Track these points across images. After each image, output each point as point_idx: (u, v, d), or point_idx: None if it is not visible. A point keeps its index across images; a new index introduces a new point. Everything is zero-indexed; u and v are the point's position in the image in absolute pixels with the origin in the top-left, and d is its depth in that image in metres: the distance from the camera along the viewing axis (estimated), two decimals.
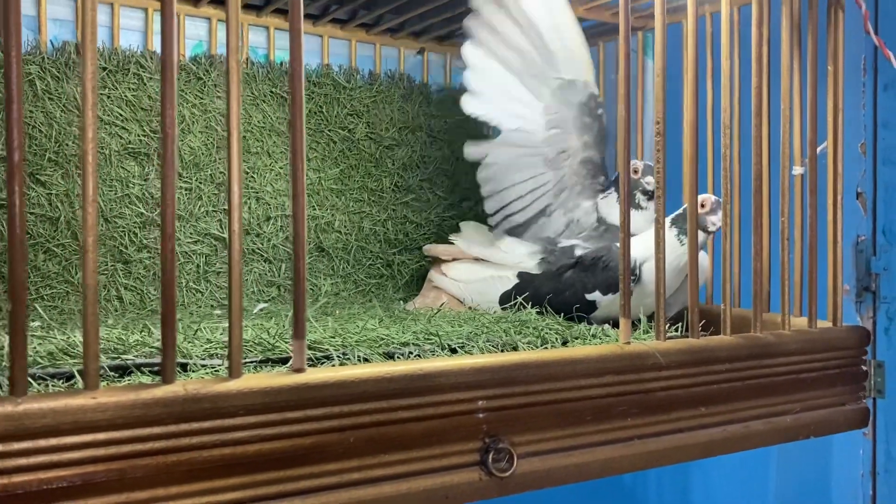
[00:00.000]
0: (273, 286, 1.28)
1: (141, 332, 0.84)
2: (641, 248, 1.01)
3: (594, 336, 0.92)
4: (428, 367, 0.67)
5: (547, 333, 0.93)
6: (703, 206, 1.00)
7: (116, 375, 0.72)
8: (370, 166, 1.36)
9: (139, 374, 0.72)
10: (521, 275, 1.12)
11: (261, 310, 1.18)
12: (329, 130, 1.34)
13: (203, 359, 0.77)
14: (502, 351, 0.86)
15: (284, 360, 0.79)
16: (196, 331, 0.86)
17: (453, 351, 0.84)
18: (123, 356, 0.74)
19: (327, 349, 0.81)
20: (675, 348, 0.80)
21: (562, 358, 0.73)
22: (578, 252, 1.08)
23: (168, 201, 0.57)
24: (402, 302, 1.30)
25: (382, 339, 0.89)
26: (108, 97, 1.17)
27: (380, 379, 0.64)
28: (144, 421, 0.55)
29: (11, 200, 0.51)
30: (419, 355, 0.83)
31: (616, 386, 0.76)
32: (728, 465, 1.51)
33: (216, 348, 0.80)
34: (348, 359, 0.80)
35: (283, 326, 0.92)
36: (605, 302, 1.05)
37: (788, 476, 1.49)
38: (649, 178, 1.14)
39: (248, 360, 0.77)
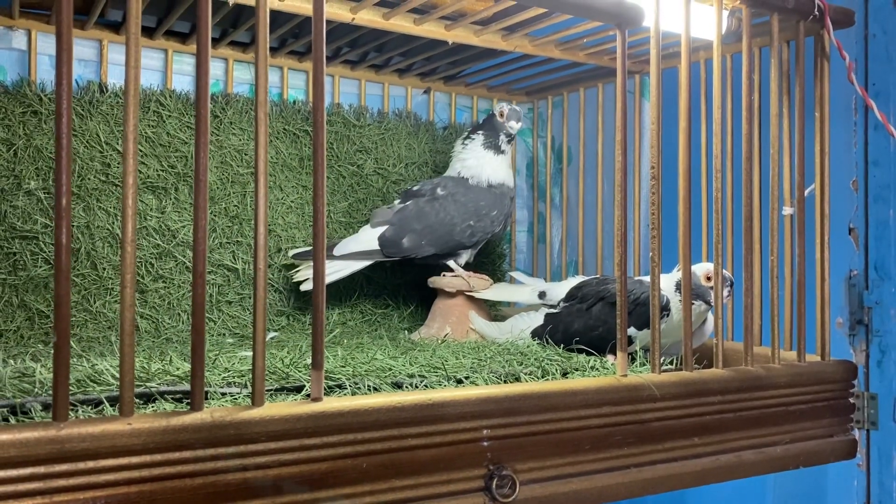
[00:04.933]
0: (283, 315, 1.33)
1: (162, 361, 0.88)
2: (670, 286, 1.03)
3: (593, 368, 0.97)
4: (436, 397, 0.71)
5: (547, 365, 0.97)
6: (709, 278, 1.01)
7: (141, 402, 0.76)
8: (378, 200, 1.42)
9: (163, 401, 0.76)
10: (547, 315, 1.16)
11: (271, 338, 1.22)
12: (339, 166, 1.39)
13: (222, 387, 0.82)
14: (505, 382, 0.90)
15: (298, 389, 0.83)
16: (214, 359, 0.90)
17: (459, 382, 0.88)
18: (147, 384, 0.79)
19: (339, 378, 0.86)
20: (670, 381, 0.85)
21: (562, 389, 0.78)
22: (610, 287, 1.09)
23: (200, 242, 0.61)
24: (407, 332, 1.34)
25: (390, 369, 0.93)
26: None
27: (391, 408, 0.68)
28: (174, 445, 0.59)
29: (59, 240, 0.56)
30: (426, 385, 0.87)
31: (613, 416, 0.81)
32: (724, 499, 1.54)
33: (234, 377, 0.85)
34: (359, 388, 0.84)
35: (297, 356, 0.97)
36: (641, 335, 1.05)
37: None
38: (513, 123, 1.30)
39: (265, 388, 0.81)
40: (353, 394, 0.82)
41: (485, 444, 0.73)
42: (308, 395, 0.81)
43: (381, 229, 1.30)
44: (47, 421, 0.57)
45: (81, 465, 0.56)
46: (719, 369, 0.89)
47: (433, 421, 0.70)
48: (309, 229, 1.36)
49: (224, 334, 1.26)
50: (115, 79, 1.23)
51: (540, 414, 0.76)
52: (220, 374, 0.86)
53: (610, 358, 1.04)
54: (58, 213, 0.56)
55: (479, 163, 1.32)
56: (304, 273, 1.29)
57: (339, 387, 0.83)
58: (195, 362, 0.61)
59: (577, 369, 0.98)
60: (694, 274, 1.05)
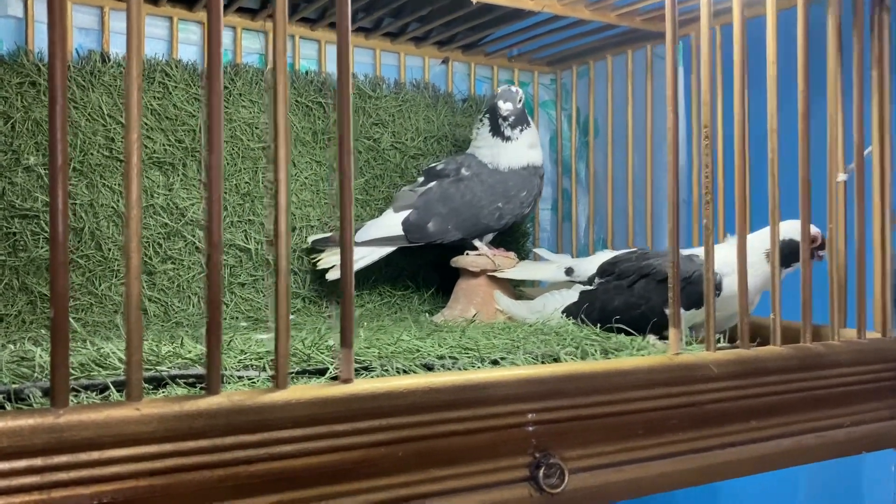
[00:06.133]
0: (298, 297, 1.26)
1: (173, 344, 0.81)
2: (723, 261, 0.94)
3: (638, 348, 0.90)
4: (476, 378, 0.64)
5: (587, 345, 0.90)
6: (814, 240, 0.94)
7: (151, 388, 0.69)
8: (395, 176, 1.35)
9: (174, 385, 0.70)
10: (582, 293, 1.08)
11: None
12: (354, 140, 1.32)
13: (238, 370, 0.75)
14: (543, 363, 0.83)
15: (321, 372, 0.77)
16: (229, 342, 0.83)
17: (494, 363, 0.81)
18: (157, 367, 0.72)
19: (366, 360, 0.79)
20: (726, 359, 0.78)
21: (612, 369, 0.71)
22: (654, 263, 1.02)
23: (214, 212, 0.54)
24: (428, 314, 1.27)
25: (418, 350, 0.86)
26: None
27: (428, 390, 0.61)
28: (189, 434, 0.52)
29: (54, 206, 0.49)
30: (459, 368, 0.80)
31: (666, 398, 0.74)
32: (757, 484, 1.47)
33: (250, 360, 0.78)
34: (387, 370, 0.77)
35: (317, 338, 0.90)
36: (688, 316, 0.99)
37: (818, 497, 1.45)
38: (500, 103, 1.21)
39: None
40: (382, 376, 0.75)
41: (529, 429, 0.66)
42: (334, 379, 0.74)
43: (404, 213, 1.22)
44: (45, 408, 0.50)
45: (84, 457, 0.49)
46: (777, 346, 0.82)
47: (473, 404, 0.63)
48: (324, 207, 1.29)
49: (237, 318, 1.19)
50: (117, 48, 1.16)
51: (588, 396, 0.69)
52: (235, 357, 0.79)
53: (650, 338, 0.97)
54: (52, 173, 0.49)
55: (492, 151, 1.25)
56: (329, 260, 1.22)
57: (366, 369, 0.77)
58: (211, 340, 0.54)
59: (617, 349, 0.91)
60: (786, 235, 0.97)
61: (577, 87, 1.48)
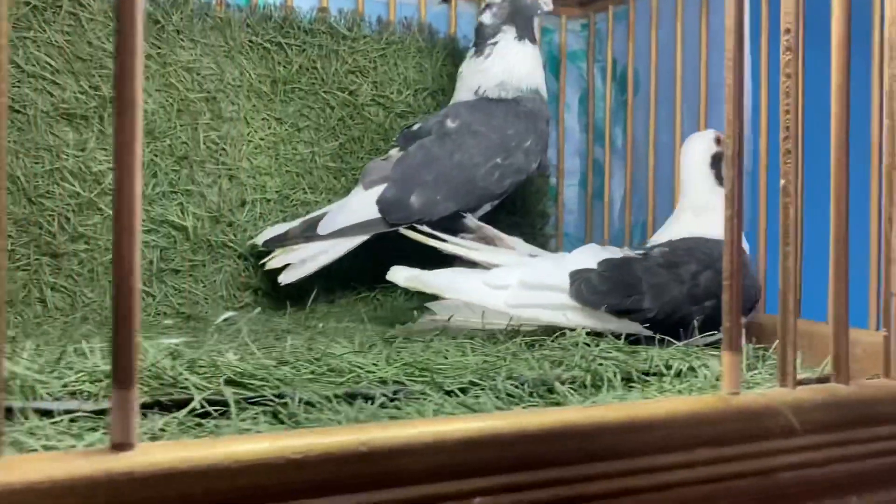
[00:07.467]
0: (248, 290, 1.00)
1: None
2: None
3: (676, 374, 0.61)
4: (378, 437, 0.37)
5: (601, 365, 0.62)
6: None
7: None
8: (378, 139, 1.08)
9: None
10: (614, 263, 0.78)
11: (224, 320, 0.90)
12: (325, 92, 1.05)
13: (55, 398, 0.49)
14: (531, 395, 0.56)
15: (184, 404, 0.50)
16: (61, 353, 0.57)
17: (448, 394, 0.54)
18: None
19: (255, 386, 0.53)
20: (814, 401, 0.49)
21: (628, 419, 0.43)
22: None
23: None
24: (415, 313, 1.00)
25: (353, 371, 0.59)
26: (34, 42, 0.91)
27: (278, 463, 0.35)
28: None
29: None
30: (399, 399, 0.53)
31: (717, 465, 0.45)
32: None
33: (83, 382, 0.52)
34: (285, 403, 0.51)
35: (233, 346, 0.64)
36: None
37: None
38: None
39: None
40: (257, 423, 0.48)
41: None
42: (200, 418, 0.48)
43: (378, 189, 0.95)
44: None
45: None
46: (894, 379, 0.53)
47: (369, 484, 0.36)
48: (285, 176, 1.03)
49: (164, 314, 0.94)
50: None
51: (585, 465, 0.41)
52: (73, 376, 0.53)
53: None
54: None
55: (509, 65, 1.01)
56: (282, 258, 0.95)
57: (260, 403, 0.50)
58: None
59: (649, 372, 0.63)
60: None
61: (613, 32, 1.19)
